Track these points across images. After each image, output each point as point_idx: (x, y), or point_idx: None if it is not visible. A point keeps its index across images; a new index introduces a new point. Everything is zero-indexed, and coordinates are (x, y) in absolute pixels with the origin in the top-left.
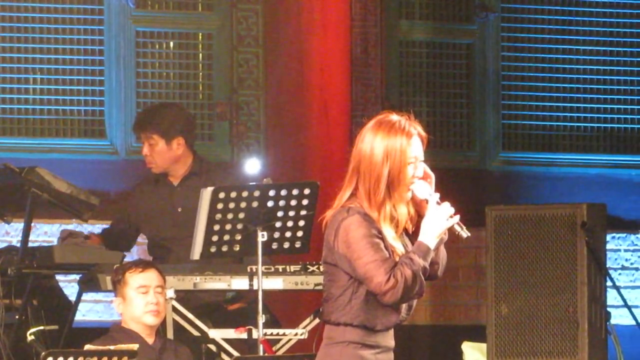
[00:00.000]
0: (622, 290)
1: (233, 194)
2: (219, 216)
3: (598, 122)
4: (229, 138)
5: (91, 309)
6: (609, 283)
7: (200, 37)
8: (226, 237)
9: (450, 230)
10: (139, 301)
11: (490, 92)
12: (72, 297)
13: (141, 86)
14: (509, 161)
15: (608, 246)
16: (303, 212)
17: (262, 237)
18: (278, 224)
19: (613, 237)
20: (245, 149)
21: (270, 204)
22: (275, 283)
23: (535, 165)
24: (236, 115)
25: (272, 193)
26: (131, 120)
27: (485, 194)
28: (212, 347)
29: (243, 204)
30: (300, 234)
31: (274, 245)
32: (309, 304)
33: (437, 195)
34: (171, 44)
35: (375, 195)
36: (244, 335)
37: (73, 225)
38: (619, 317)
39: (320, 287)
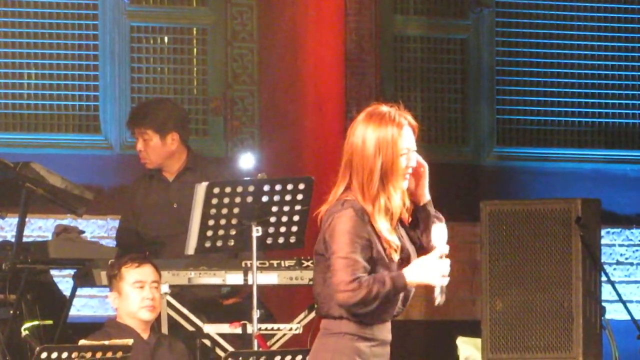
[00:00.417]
0: (616, 285)
1: (227, 189)
2: (213, 211)
3: (593, 117)
4: (223, 133)
5: (86, 304)
6: (603, 278)
7: (194, 32)
8: (221, 232)
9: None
10: (135, 296)
11: (484, 87)
12: (67, 292)
13: (135, 81)
14: (504, 156)
15: (603, 241)
16: (297, 207)
17: (256, 232)
18: (272, 219)
19: (608, 232)
20: (240, 144)
21: (264, 199)
22: (270, 278)
23: (530, 160)
24: (230, 110)
25: (266, 188)
26: (126, 116)
27: (479, 189)
28: (207, 342)
29: (237, 199)
30: (294, 229)
31: (269, 240)
32: (303, 299)
33: (447, 247)
34: (165, 39)
35: (369, 188)
36: (239, 330)
37: (67, 220)
38: (614, 312)
39: None
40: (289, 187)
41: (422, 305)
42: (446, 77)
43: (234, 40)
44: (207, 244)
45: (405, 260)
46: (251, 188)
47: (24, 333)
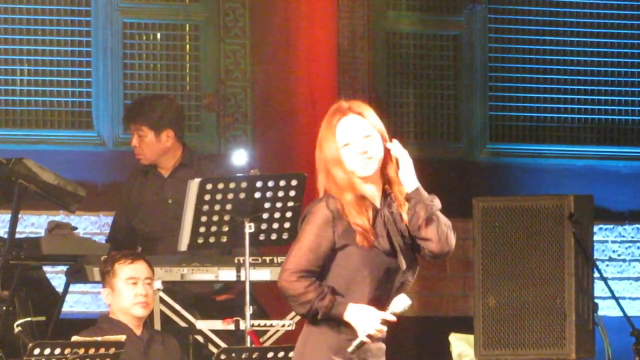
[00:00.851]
0: (609, 282)
1: (220, 186)
2: (206, 207)
3: (586, 114)
4: (216, 129)
5: (78, 300)
6: (596, 274)
7: (187, 29)
8: (213, 229)
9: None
10: (128, 292)
11: (477, 83)
12: (60, 289)
13: (128, 77)
14: (496, 152)
15: (595, 237)
16: (290, 204)
17: (249, 228)
18: (265, 215)
19: (600, 229)
20: (233, 141)
21: (257, 195)
22: (263, 274)
23: (523, 156)
24: (223, 106)
25: (259, 184)
26: (118, 112)
27: (472, 185)
28: (200, 338)
29: (230, 195)
30: (287, 225)
31: (262, 237)
32: None
33: (394, 318)
34: (158, 35)
35: (331, 187)
36: (232, 327)
37: (60, 217)
38: (606, 309)
39: None
40: (282, 183)
41: (415, 302)
42: (439, 73)
43: (227, 37)
44: (200, 240)
45: (388, 254)
46: (244, 184)
47: (16, 329)
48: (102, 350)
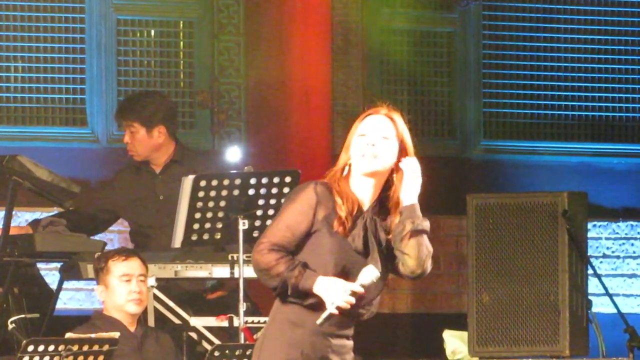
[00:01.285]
0: (603, 279)
1: (214, 182)
2: (200, 204)
3: (579, 111)
4: (210, 126)
5: (72, 297)
6: (590, 271)
7: (181, 25)
8: (207, 225)
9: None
10: (122, 289)
11: (471, 80)
12: (53, 285)
13: (122, 74)
14: (490, 149)
15: (589, 234)
16: (284, 200)
17: (243, 225)
18: (259, 212)
19: (594, 226)
20: (226, 137)
21: (251, 192)
22: None
23: (517, 153)
24: (217, 103)
25: (253, 181)
26: (112, 108)
27: (466, 182)
28: (194, 335)
29: (224, 192)
30: None
31: (255, 233)
32: None
33: (361, 289)
34: (152, 32)
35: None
36: (225, 323)
37: (54, 213)
38: (600, 306)
39: None
40: (276, 180)
41: (409, 298)
42: (433, 70)
43: (221, 34)
44: (194, 237)
45: (359, 253)
46: (238, 181)
47: (10, 326)
48: (96, 347)
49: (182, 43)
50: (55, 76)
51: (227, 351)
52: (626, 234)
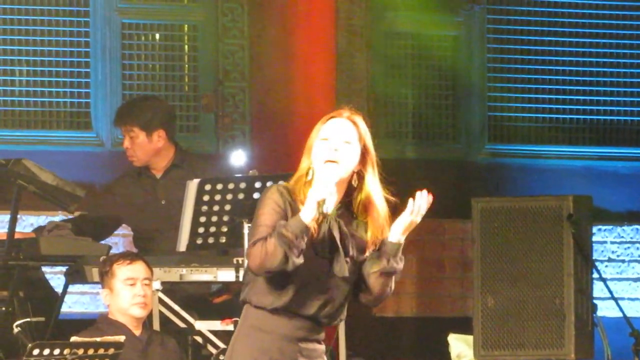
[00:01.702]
0: (608, 282)
1: (219, 186)
2: (205, 208)
3: (584, 114)
4: (214, 130)
5: (77, 301)
6: (595, 275)
7: (185, 29)
8: (212, 229)
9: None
10: (126, 293)
11: (475, 84)
12: (58, 289)
13: (127, 78)
14: (495, 153)
15: (594, 238)
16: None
17: (248, 229)
18: None
19: (599, 229)
20: (231, 141)
21: (256, 195)
22: None
23: (521, 157)
24: (222, 107)
25: (258, 185)
26: None
27: (471, 186)
28: (199, 338)
29: (229, 196)
30: None
31: None
32: None
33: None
34: (157, 35)
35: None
36: (231, 327)
37: (59, 217)
38: (605, 309)
39: None
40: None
41: (413, 302)
42: (437, 73)
43: (225, 37)
44: (199, 241)
45: (323, 257)
46: (243, 185)
47: (15, 330)
48: (101, 351)
49: (186, 47)
50: (60, 80)
51: None
52: (631, 237)
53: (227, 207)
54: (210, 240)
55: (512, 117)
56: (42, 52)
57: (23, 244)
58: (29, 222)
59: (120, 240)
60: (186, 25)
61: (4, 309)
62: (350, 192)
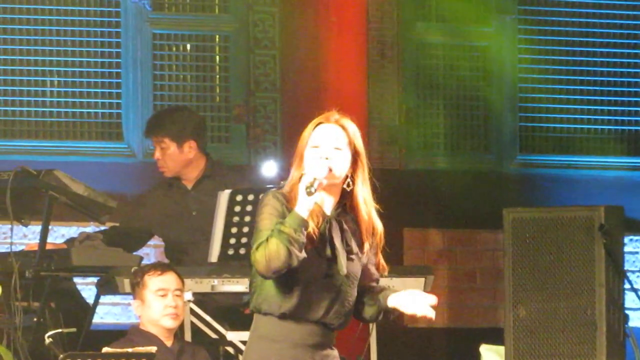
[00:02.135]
0: None
1: (250, 197)
2: (236, 219)
3: (616, 125)
4: (245, 140)
5: (109, 312)
6: (627, 285)
7: (217, 40)
8: (244, 240)
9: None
10: (158, 304)
11: (507, 94)
12: (90, 300)
13: (158, 89)
14: (527, 163)
15: (626, 248)
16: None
17: None
18: None
19: (631, 240)
20: (262, 152)
21: None
22: None
23: (553, 167)
24: (253, 117)
25: None
26: None
27: (502, 196)
28: (230, 349)
29: None
30: None
31: None
32: None
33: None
34: (188, 46)
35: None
36: None
37: (90, 228)
38: (637, 320)
39: None
40: None
41: (445, 313)
42: (469, 84)
43: (256, 48)
44: (230, 252)
45: (328, 259)
46: None
47: (47, 341)
48: None
49: (217, 57)
50: (91, 90)
51: None
52: None
53: None
54: (242, 250)
55: (543, 128)
56: (74, 63)
57: (55, 254)
58: (60, 233)
59: (151, 251)
60: (217, 36)
61: (35, 319)
62: (346, 195)
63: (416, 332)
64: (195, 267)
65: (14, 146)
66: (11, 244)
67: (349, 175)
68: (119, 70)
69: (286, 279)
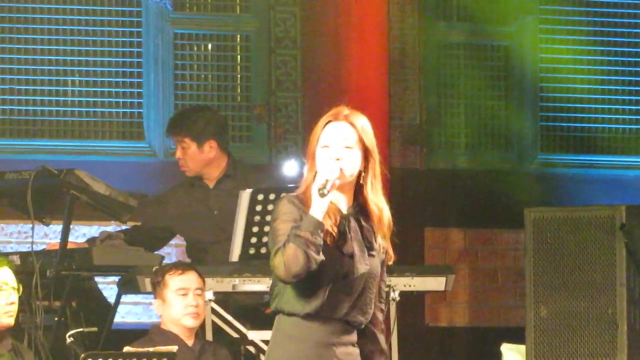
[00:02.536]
0: None
1: (272, 196)
2: (257, 218)
3: (637, 124)
4: (267, 140)
5: (130, 311)
6: None
7: (238, 39)
8: (265, 239)
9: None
10: (178, 303)
11: (528, 93)
12: (111, 299)
13: (179, 88)
14: (548, 163)
15: None
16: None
17: None
18: None
19: None
20: (284, 151)
21: None
22: None
23: (574, 167)
24: (274, 117)
25: None
26: None
27: (523, 196)
28: (251, 348)
29: None
30: None
31: None
32: None
33: (329, 181)
34: (209, 46)
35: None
36: None
37: (112, 227)
38: None
39: None
40: None
41: (466, 312)
42: (490, 83)
43: (278, 47)
44: (251, 251)
45: (350, 257)
46: None
47: (68, 340)
48: None
49: (239, 57)
50: (112, 90)
51: None
52: None
53: None
54: (263, 250)
55: (564, 127)
56: (95, 63)
57: (76, 254)
58: (81, 232)
59: (173, 250)
60: (239, 36)
61: (57, 319)
62: (360, 190)
63: (437, 331)
64: (216, 266)
65: (35, 146)
66: (32, 243)
67: (362, 171)
68: (140, 70)
69: (309, 279)
